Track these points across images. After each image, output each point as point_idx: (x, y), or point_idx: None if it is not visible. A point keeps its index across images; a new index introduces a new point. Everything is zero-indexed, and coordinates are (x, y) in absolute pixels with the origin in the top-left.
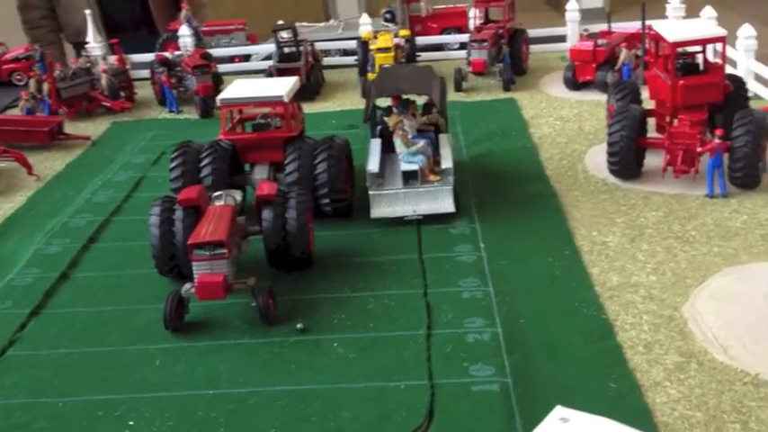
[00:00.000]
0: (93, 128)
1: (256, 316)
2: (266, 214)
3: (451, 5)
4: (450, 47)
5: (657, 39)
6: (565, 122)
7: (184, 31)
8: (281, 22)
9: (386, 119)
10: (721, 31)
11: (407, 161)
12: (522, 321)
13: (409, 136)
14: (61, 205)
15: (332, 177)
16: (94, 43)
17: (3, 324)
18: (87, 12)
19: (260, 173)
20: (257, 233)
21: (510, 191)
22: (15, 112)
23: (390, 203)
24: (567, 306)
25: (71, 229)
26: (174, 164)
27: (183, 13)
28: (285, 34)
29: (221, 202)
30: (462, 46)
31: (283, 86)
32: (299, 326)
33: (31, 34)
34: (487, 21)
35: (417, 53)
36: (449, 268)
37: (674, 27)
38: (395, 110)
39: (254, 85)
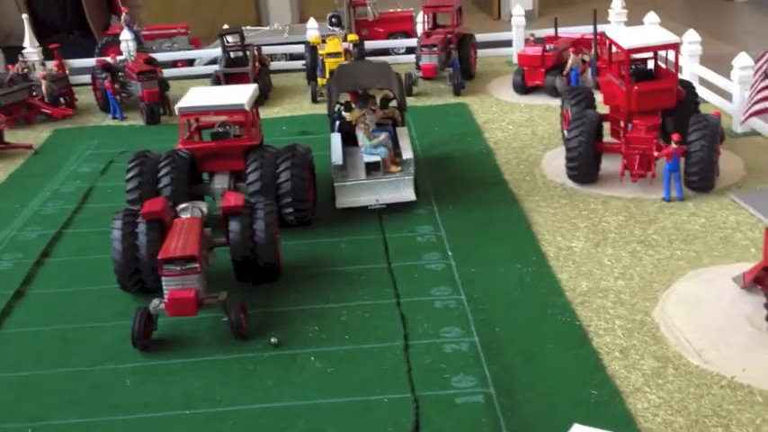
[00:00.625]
0: (34, 136)
1: (228, 331)
2: (233, 226)
3: (398, 10)
4: (396, 51)
5: (611, 45)
6: (518, 127)
7: (126, 36)
8: (226, 26)
9: (345, 114)
10: (674, 38)
11: (370, 153)
12: (498, 330)
13: (370, 129)
14: (7, 218)
15: (295, 186)
16: (31, 48)
17: None
18: (24, 16)
19: (220, 182)
20: (224, 245)
21: (471, 196)
22: None
23: (355, 194)
24: (540, 313)
25: (21, 243)
26: (130, 174)
27: (123, 17)
28: (231, 38)
29: (188, 215)
30: (409, 50)
31: (243, 94)
32: (273, 340)
33: None
34: (435, 26)
35: (365, 58)
36: (419, 277)
37: (626, 33)
38: (353, 105)
39: (213, 93)
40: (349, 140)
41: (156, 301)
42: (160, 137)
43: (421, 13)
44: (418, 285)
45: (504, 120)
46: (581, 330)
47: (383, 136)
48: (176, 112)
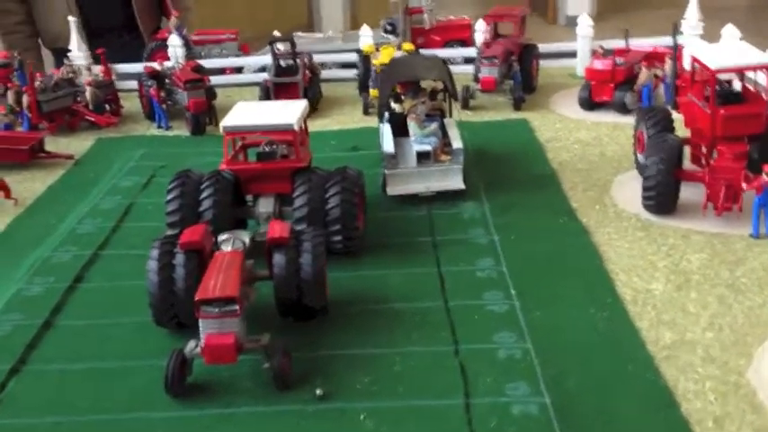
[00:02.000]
0: (77, 144)
1: (269, 378)
2: (278, 259)
3: (455, 17)
4: (453, 61)
5: (693, 62)
6: (584, 147)
7: (174, 41)
8: (276, 32)
9: (395, 105)
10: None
11: (421, 142)
12: (571, 387)
13: (421, 119)
14: (43, 236)
15: (345, 213)
16: (78, 52)
17: None
18: (71, 19)
19: (265, 206)
20: (266, 278)
21: (535, 225)
22: None
23: (405, 182)
24: (619, 368)
25: (55, 265)
26: (171, 196)
27: (173, 22)
28: (282, 46)
29: (229, 247)
30: (466, 60)
31: (292, 112)
32: (318, 392)
33: (6, 40)
34: (496, 35)
35: None
36: (479, 319)
37: (711, 51)
38: (403, 96)
39: (260, 110)
40: (397, 131)
41: (191, 344)
42: (205, 149)
43: (480, 22)
44: (479, 330)
45: (569, 138)
46: (667, 392)
47: (434, 125)
48: (221, 130)
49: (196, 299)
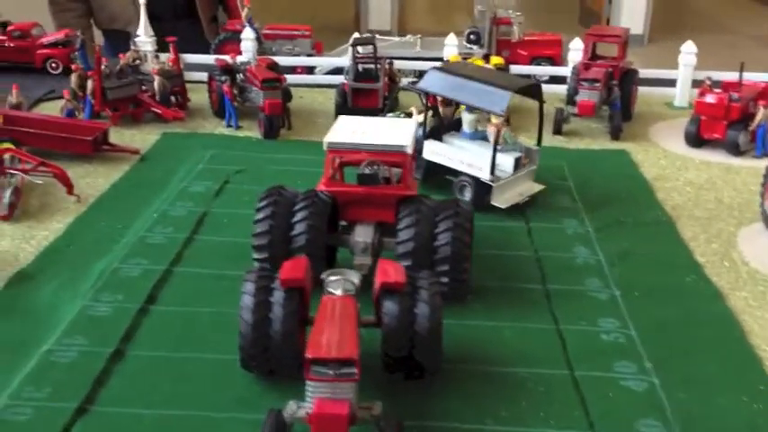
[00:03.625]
0: (140, 138)
1: None
2: (390, 308)
3: (543, 32)
4: (539, 78)
5: None
6: (697, 190)
7: (248, 34)
8: (357, 35)
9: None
10: None
11: (511, 150)
12: None
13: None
14: (108, 242)
15: (456, 253)
16: (145, 37)
17: (42, 422)
18: (142, 1)
19: (363, 235)
20: (373, 326)
21: (659, 281)
22: (47, 108)
23: (506, 191)
24: None
25: (123, 280)
26: (260, 215)
27: (245, 12)
28: (362, 49)
29: (338, 291)
30: (553, 79)
31: (404, 133)
32: None
33: (58, 17)
34: (594, 56)
35: None
36: (614, 398)
37: None
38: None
39: (365, 127)
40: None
41: (293, 406)
42: (278, 154)
43: (576, 40)
44: (617, 412)
45: (679, 178)
46: None
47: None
48: (324, 147)
49: (308, 355)
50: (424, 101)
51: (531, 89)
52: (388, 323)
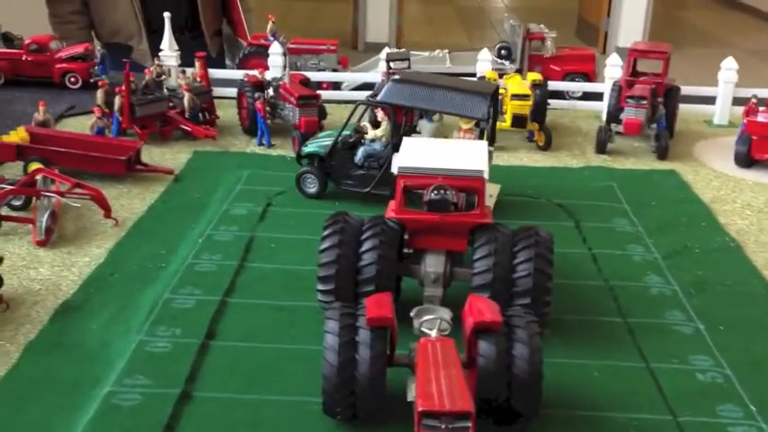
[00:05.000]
0: (171, 157)
1: None
2: (486, 349)
3: (576, 47)
4: (571, 95)
5: None
6: (757, 213)
7: (276, 49)
8: (388, 49)
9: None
10: None
11: None
12: None
13: None
14: (153, 269)
15: (538, 285)
16: (170, 51)
17: None
18: (166, 14)
19: (434, 265)
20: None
21: (743, 316)
22: (69, 125)
23: None
24: None
25: (177, 312)
26: (326, 244)
27: (269, 26)
28: (394, 65)
29: (433, 332)
30: (586, 96)
31: (477, 156)
32: None
33: (59, 30)
34: (635, 73)
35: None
36: None
37: None
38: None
39: (434, 149)
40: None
41: None
42: None
43: (614, 56)
44: None
45: (736, 201)
46: None
47: None
48: (394, 171)
49: (420, 408)
50: (387, 115)
51: (496, 92)
52: (484, 366)
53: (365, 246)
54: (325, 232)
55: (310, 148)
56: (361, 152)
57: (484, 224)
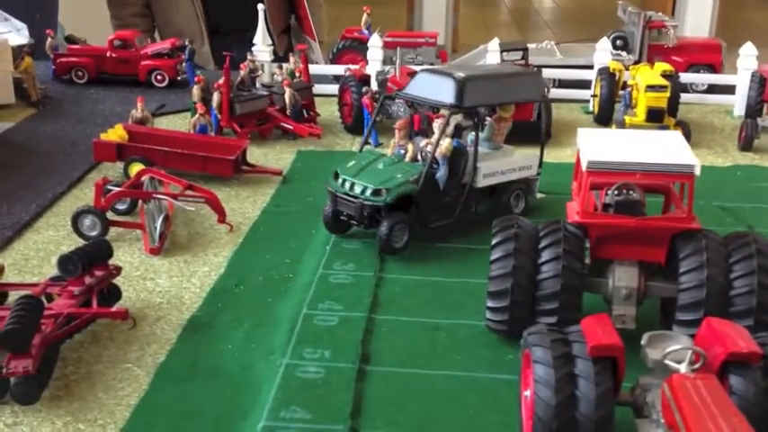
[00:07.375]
0: (273, 157)
1: None
2: (740, 385)
3: (696, 36)
4: (695, 88)
5: None
6: None
7: (375, 42)
8: (497, 39)
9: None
10: None
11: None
12: None
13: None
14: (280, 280)
15: (763, 304)
16: (263, 46)
17: None
18: (260, 6)
19: (626, 278)
20: None
21: None
22: (160, 123)
23: None
24: None
25: (321, 331)
26: (497, 254)
27: (364, 19)
28: (507, 56)
29: (683, 367)
30: (711, 89)
31: (680, 148)
32: None
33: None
34: None
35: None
36: None
37: None
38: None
39: (622, 142)
40: None
41: None
42: None
43: (746, 45)
44: None
45: None
46: None
47: None
48: (583, 167)
49: None
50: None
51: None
52: (738, 404)
53: (545, 255)
54: (496, 239)
55: (394, 191)
56: (441, 176)
57: (690, 230)
